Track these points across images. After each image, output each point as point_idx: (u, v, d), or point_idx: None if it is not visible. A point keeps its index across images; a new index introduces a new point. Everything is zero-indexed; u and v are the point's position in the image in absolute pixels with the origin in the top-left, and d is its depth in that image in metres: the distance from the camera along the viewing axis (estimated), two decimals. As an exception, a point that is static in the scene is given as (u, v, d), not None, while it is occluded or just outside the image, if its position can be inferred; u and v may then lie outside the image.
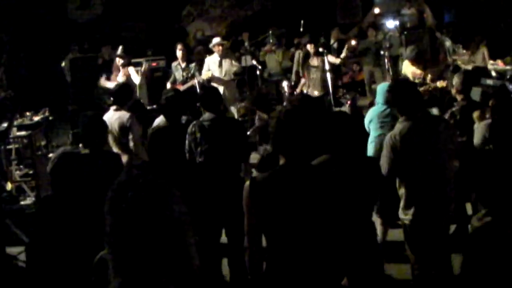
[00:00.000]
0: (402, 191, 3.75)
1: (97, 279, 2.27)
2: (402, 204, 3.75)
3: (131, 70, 7.80)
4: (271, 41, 11.44)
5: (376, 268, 3.37)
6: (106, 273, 1.91)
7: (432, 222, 3.67)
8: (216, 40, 8.61)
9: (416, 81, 6.98)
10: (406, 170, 3.66)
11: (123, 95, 5.52)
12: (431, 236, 3.70)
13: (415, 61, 7.24)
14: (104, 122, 4.25)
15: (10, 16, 11.76)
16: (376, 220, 4.70)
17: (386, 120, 4.98)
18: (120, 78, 7.70)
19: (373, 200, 3.40)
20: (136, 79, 7.70)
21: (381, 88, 5.25)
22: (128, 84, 6.18)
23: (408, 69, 7.30)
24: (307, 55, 8.70)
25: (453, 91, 4.60)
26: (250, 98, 9.17)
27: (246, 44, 11.93)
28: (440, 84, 7.15)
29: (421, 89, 6.83)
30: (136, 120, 5.36)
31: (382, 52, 7.99)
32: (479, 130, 4.33)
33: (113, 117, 5.26)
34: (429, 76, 7.12)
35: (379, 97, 5.20)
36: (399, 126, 3.69)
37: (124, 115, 5.28)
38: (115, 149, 5.18)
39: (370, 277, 3.30)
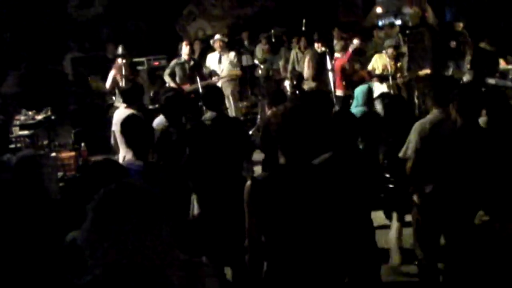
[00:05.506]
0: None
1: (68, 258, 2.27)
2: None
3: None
4: (262, 40, 11.42)
5: (374, 267, 3.38)
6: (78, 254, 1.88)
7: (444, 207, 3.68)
8: (217, 36, 8.73)
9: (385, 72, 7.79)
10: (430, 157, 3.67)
11: (134, 94, 5.54)
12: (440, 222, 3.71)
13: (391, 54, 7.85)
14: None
15: (12, 15, 11.77)
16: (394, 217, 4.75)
17: None
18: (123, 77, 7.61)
19: (372, 198, 3.41)
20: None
21: (361, 89, 5.35)
22: (140, 84, 6.17)
23: (380, 61, 7.90)
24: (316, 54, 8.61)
25: None
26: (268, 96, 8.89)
27: (246, 43, 11.90)
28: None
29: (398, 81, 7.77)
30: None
31: (384, 51, 8.01)
32: None
33: (123, 114, 5.28)
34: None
35: (360, 99, 5.26)
36: (430, 116, 3.79)
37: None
38: (121, 146, 5.20)
39: (368, 276, 3.30)
